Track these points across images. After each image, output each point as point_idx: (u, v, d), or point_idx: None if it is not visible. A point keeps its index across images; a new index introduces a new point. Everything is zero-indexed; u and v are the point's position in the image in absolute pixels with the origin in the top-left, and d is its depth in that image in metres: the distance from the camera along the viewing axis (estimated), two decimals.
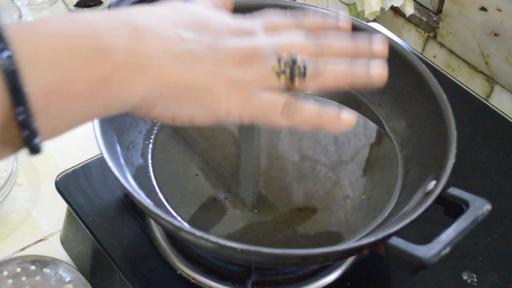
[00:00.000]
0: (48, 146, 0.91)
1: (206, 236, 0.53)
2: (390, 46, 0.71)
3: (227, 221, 0.65)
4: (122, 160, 0.64)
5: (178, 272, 0.66)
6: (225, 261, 0.66)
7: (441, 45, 1.02)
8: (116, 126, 0.66)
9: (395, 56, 0.72)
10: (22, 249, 0.80)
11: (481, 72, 0.98)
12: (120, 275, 0.67)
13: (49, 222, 0.83)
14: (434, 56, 1.04)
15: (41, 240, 0.81)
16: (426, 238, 0.55)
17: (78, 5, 1.13)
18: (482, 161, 0.80)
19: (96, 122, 0.61)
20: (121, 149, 0.65)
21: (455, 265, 0.68)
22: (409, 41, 1.07)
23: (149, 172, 0.67)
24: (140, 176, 0.66)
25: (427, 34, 1.03)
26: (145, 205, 0.54)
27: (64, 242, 0.78)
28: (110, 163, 0.58)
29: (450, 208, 0.58)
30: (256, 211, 0.65)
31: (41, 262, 0.74)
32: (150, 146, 0.70)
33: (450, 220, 0.57)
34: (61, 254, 0.78)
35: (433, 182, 0.60)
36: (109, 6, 0.71)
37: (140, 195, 0.57)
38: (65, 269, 0.73)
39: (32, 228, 0.82)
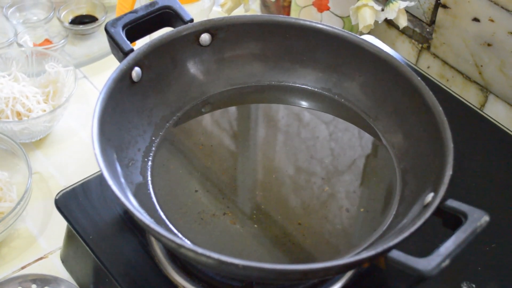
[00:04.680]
0: (47, 163, 0.91)
1: (207, 253, 0.53)
2: (385, 59, 0.73)
3: (227, 236, 0.65)
4: (122, 179, 0.64)
5: None
6: (226, 277, 0.66)
7: (435, 56, 1.02)
8: (115, 145, 0.67)
9: (390, 69, 0.73)
10: (23, 268, 0.80)
11: (475, 82, 0.98)
12: None
13: (49, 240, 0.83)
14: (428, 67, 1.05)
15: (41, 258, 0.81)
16: (424, 250, 0.55)
17: (73, 22, 1.13)
18: (477, 171, 0.80)
19: (95, 141, 0.61)
20: (121, 167, 0.66)
21: (454, 276, 0.69)
22: (402, 52, 1.07)
23: (149, 190, 0.68)
24: (140, 193, 0.66)
25: (420, 45, 1.04)
26: (146, 224, 0.55)
27: (65, 260, 0.78)
28: (110, 181, 0.58)
29: (448, 220, 0.58)
30: (255, 226, 0.66)
31: (42, 280, 0.74)
32: (149, 163, 0.70)
33: (448, 232, 0.57)
34: (61, 272, 0.79)
35: (431, 194, 0.61)
36: (106, 26, 0.72)
37: (141, 213, 0.58)
38: None
39: (32, 246, 0.82)
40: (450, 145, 0.63)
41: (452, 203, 0.58)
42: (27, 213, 0.85)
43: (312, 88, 0.79)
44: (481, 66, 0.96)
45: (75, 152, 0.95)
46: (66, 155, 0.94)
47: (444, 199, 0.59)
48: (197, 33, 0.76)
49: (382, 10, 0.91)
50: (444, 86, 0.92)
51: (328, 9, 0.99)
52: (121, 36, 0.71)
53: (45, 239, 0.83)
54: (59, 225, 0.82)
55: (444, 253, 0.53)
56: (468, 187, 0.77)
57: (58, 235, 0.81)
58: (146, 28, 0.75)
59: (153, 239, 0.70)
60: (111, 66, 1.08)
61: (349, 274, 0.67)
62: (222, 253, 0.54)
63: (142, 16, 0.74)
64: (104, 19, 1.13)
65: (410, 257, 0.53)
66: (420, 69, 0.96)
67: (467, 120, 0.88)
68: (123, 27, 0.72)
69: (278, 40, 0.78)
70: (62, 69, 0.97)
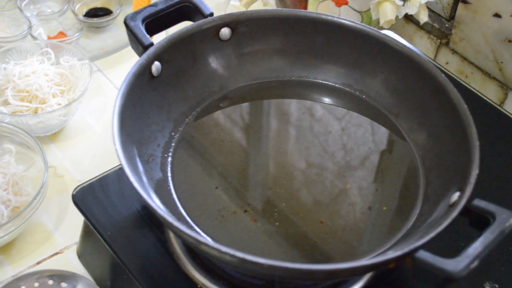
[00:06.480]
0: (62, 157, 0.91)
1: (231, 251, 0.53)
2: (408, 56, 0.72)
3: (248, 234, 0.64)
4: (143, 176, 0.63)
5: (199, 286, 0.66)
6: (246, 275, 0.65)
7: (454, 51, 1.01)
8: (135, 140, 0.66)
9: (413, 66, 0.72)
10: (38, 263, 0.79)
11: (494, 78, 0.97)
12: None
13: (65, 235, 0.82)
14: (447, 63, 1.03)
15: (57, 253, 0.80)
16: (449, 250, 0.54)
17: (87, 15, 1.13)
18: (498, 169, 0.79)
19: (116, 137, 0.61)
20: (141, 163, 0.65)
21: (477, 276, 0.68)
22: (421, 48, 1.06)
23: (169, 186, 0.67)
24: (160, 190, 0.65)
25: (439, 40, 1.03)
26: (171, 223, 0.54)
27: (81, 256, 0.77)
28: (132, 178, 0.57)
29: (475, 220, 0.57)
30: (277, 223, 0.65)
31: (59, 276, 0.73)
32: (169, 159, 0.69)
33: (473, 232, 0.56)
34: (77, 267, 0.78)
35: (457, 194, 0.60)
36: (125, 19, 0.71)
37: (164, 212, 0.57)
38: (83, 284, 0.73)
39: (47, 242, 0.81)
40: (476, 143, 0.62)
41: (479, 202, 0.57)
42: (43, 208, 0.84)
43: (333, 84, 0.78)
44: (501, 62, 0.94)
45: (90, 146, 0.94)
46: (81, 149, 0.93)
47: (470, 198, 0.58)
48: (217, 28, 0.75)
49: (403, 5, 0.90)
50: (463, 82, 0.91)
51: (346, 3, 0.98)
52: (141, 29, 0.70)
53: (61, 234, 0.82)
54: (75, 220, 0.82)
55: (473, 254, 0.52)
56: (489, 185, 0.76)
57: (74, 230, 0.80)
58: (165, 21, 0.74)
59: (171, 235, 0.69)
60: (126, 59, 1.07)
61: (369, 274, 0.67)
62: (243, 251, 0.53)
63: (162, 10, 0.73)
64: (119, 12, 1.12)
65: (438, 258, 0.52)
66: (439, 64, 0.94)
67: (487, 117, 0.87)
68: (143, 21, 0.71)
69: (299, 35, 0.77)
70: (77, 62, 0.97)
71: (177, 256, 0.68)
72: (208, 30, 0.74)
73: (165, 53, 0.71)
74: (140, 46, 0.70)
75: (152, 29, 0.73)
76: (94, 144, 0.94)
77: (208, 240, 0.61)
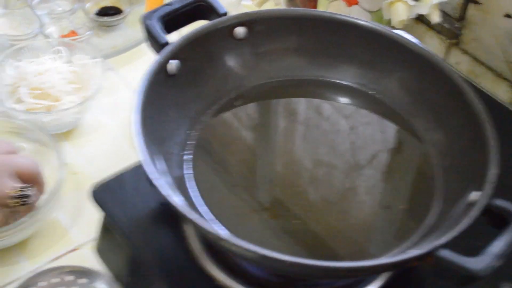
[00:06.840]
0: (76, 156, 0.91)
1: (254, 248, 0.53)
2: (423, 55, 0.72)
3: (268, 231, 0.65)
4: (162, 174, 0.64)
5: (217, 282, 0.66)
6: (265, 272, 0.66)
7: (464, 52, 1.02)
8: (154, 138, 0.66)
9: (428, 65, 0.72)
10: (55, 259, 0.80)
11: (505, 78, 0.97)
12: (159, 285, 0.67)
13: (80, 232, 0.83)
14: (457, 63, 1.04)
15: (73, 250, 0.81)
16: (465, 249, 0.55)
17: (98, 13, 1.13)
18: (509, 167, 0.80)
19: (137, 135, 0.61)
20: (160, 161, 0.65)
21: (493, 276, 0.68)
22: (431, 48, 1.06)
23: (186, 184, 0.67)
24: (179, 187, 0.66)
25: (449, 41, 1.03)
26: (194, 220, 0.54)
27: (100, 252, 0.78)
28: (152, 176, 0.58)
29: (494, 219, 0.58)
30: (297, 221, 0.65)
31: (78, 272, 0.73)
32: (186, 157, 0.70)
33: (488, 230, 0.57)
34: (94, 264, 0.78)
35: (476, 193, 0.60)
36: (142, 18, 0.71)
37: (187, 209, 0.57)
38: (102, 280, 0.73)
39: (63, 239, 0.82)
40: (493, 143, 0.63)
41: (498, 201, 0.58)
42: (58, 205, 0.85)
43: (348, 84, 0.78)
44: None
45: (103, 143, 0.95)
46: (94, 147, 0.94)
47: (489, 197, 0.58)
48: (232, 26, 0.75)
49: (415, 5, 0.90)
50: (474, 82, 0.91)
51: (357, 3, 0.99)
52: (158, 28, 0.71)
53: (77, 231, 0.83)
54: (90, 217, 0.82)
55: (495, 252, 0.53)
56: (505, 184, 0.76)
57: (90, 227, 0.81)
58: (180, 20, 0.75)
59: (190, 233, 0.69)
60: (137, 58, 1.08)
61: (385, 274, 0.67)
62: (264, 248, 0.53)
63: (177, 9, 0.73)
64: (129, 11, 1.12)
65: (461, 257, 0.53)
66: (449, 65, 0.95)
67: (498, 117, 0.87)
68: (159, 20, 0.72)
69: (314, 34, 0.77)
70: (89, 60, 0.97)
71: (196, 253, 0.68)
72: (223, 29, 0.74)
73: (181, 52, 0.71)
74: (156, 44, 0.71)
75: (168, 28, 0.73)
76: (107, 142, 0.95)
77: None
